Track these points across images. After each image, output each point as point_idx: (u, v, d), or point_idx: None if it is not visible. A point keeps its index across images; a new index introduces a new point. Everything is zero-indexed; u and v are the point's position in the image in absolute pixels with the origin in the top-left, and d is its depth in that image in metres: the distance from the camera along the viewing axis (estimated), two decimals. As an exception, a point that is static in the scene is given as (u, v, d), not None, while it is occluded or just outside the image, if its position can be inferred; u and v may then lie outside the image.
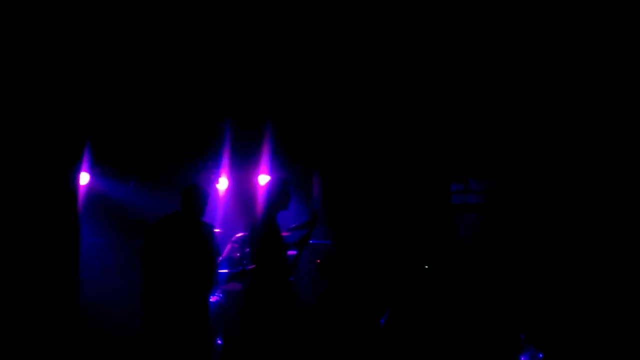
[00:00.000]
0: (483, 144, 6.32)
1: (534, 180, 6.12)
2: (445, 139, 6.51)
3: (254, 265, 5.71)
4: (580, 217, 5.79)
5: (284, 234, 7.22)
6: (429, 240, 6.90)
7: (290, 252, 5.59)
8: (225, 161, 7.61)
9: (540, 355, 4.07)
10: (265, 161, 7.51)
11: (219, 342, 6.25)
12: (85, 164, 7.45)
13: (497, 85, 5.66)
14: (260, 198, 5.58)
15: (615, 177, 5.60)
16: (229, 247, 7.00)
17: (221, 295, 6.74)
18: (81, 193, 7.76)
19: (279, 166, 7.72)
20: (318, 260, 7.05)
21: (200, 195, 5.35)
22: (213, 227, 5.50)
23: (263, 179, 7.61)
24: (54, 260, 4.53)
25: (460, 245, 6.88)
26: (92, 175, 7.71)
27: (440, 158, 6.68)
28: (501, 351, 5.22)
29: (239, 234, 7.00)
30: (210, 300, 5.51)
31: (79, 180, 4.59)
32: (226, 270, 6.70)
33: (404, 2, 5.15)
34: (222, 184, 7.78)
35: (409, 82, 6.06)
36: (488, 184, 6.57)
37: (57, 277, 4.59)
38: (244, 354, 5.76)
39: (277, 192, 5.42)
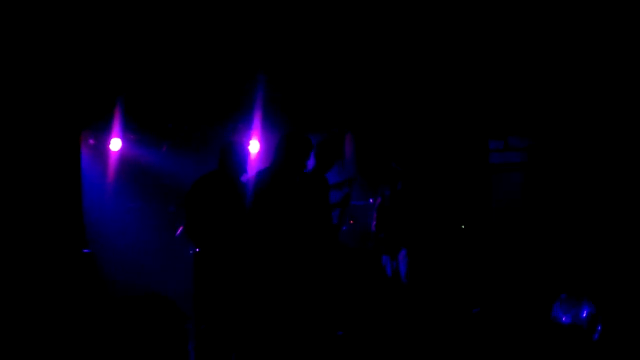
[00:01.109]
0: (523, 96, 6.01)
1: (581, 134, 5.79)
2: (481, 92, 6.22)
3: None
4: (633, 175, 5.46)
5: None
6: (465, 201, 6.67)
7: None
8: (257, 123, 7.49)
9: (585, 314, 3.87)
10: (297, 123, 7.37)
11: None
12: (117, 129, 7.45)
13: (536, 35, 5.34)
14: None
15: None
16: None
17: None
18: (114, 159, 7.82)
19: (312, 128, 7.57)
20: (352, 222, 6.93)
21: (237, 152, 5.11)
22: (246, 187, 5.37)
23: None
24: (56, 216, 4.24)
25: (500, 207, 6.63)
26: (125, 141, 7.70)
27: (476, 113, 6.41)
28: (538, 312, 5.01)
29: None
30: None
31: (80, 141, 4.31)
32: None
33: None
34: (254, 146, 7.67)
35: (442, 36, 5.79)
36: (530, 140, 6.25)
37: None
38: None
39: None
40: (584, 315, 4.04)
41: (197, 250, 5.21)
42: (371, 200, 7.29)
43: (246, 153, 5.17)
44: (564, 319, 3.80)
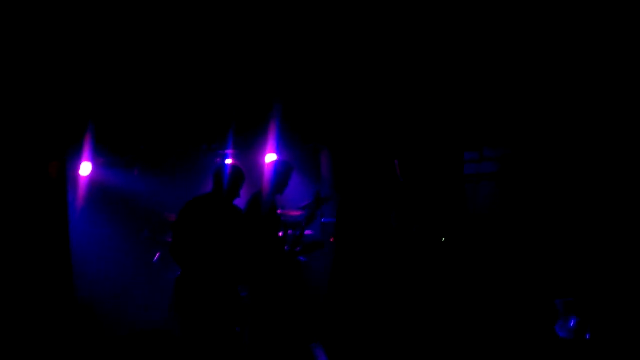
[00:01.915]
0: (499, 107, 6.08)
1: (555, 144, 5.89)
2: (457, 104, 6.27)
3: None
4: (606, 182, 5.57)
5: (294, 212, 7.09)
6: (441, 212, 6.70)
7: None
8: (231, 143, 7.41)
9: (573, 323, 3.90)
10: (272, 141, 7.31)
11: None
12: (87, 153, 7.25)
13: (510, 43, 5.43)
14: (265, 179, 5.56)
15: None
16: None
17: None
18: (84, 183, 7.61)
19: (286, 146, 7.52)
20: (332, 239, 6.88)
21: (230, 175, 5.11)
22: (241, 210, 5.34)
23: (270, 159, 7.41)
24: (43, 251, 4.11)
25: (476, 217, 6.68)
26: (95, 165, 7.50)
27: (451, 125, 6.46)
28: (533, 321, 5.03)
29: None
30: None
31: (66, 167, 4.21)
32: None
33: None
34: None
35: (416, 47, 5.85)
36: (504, 151, 6.33)
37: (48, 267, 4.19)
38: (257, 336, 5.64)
39: (281, 175, 5.53)
40: (572, 324, 4.06)
41: (179, 274, 5.11)
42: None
43: (237, 176, 5.14)
44: (557, 328, 3.83)
